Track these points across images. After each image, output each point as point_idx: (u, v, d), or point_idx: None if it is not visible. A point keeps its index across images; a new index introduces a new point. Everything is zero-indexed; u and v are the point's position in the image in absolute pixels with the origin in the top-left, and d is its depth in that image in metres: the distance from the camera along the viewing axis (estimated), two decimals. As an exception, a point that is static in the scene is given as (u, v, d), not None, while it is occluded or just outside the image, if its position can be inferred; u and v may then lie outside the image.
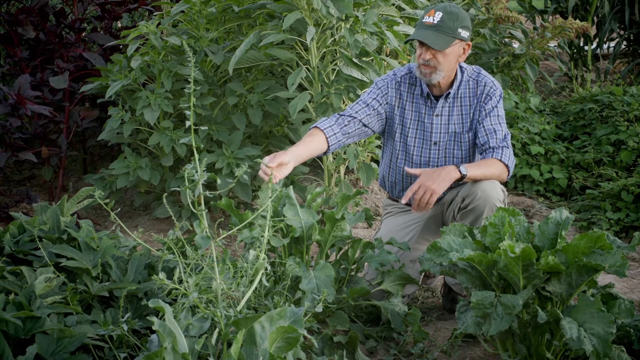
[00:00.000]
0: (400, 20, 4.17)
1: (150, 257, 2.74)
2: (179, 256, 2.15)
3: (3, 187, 4.79)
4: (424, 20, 2.92)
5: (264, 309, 2.53)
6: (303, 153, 2.86)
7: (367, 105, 3.06)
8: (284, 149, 4.19)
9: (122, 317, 2.28)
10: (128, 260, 2.70)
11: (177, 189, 2.33)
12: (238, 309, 2.11)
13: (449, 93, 3.03)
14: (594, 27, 6.85)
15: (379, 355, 2.74)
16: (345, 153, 4.07)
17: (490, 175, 2.89)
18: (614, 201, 4.30)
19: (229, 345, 2.03)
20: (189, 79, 1.98)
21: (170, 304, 2.17)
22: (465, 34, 2.93)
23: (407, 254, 3.03)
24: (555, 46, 6.36)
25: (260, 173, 2.62)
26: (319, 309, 2.36)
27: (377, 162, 4.67)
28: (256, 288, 2.61)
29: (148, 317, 2.01)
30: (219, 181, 2.23)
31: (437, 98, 3.06)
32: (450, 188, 3.03)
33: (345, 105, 4.06)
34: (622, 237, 4.11)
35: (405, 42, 3.20)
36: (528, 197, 4.73)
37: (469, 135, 3.04)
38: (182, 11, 4.13)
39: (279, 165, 2.66)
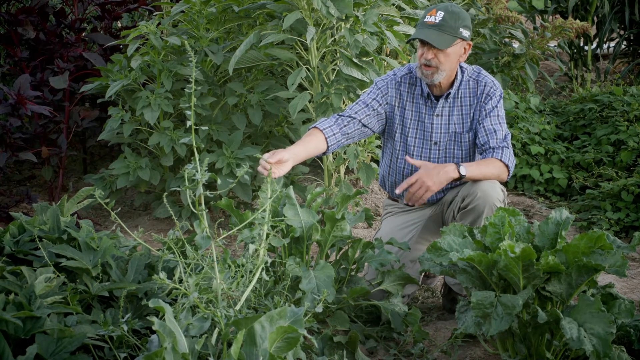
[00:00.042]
0: (400, 20, 4.17)
1: (150, 257, 2.74)
2: (179, 256, 2.15)
3: (3, 187, 4.79)
4: (425, 19, 2.92)
5: (264, 309, 2.53)
6: (302, 152, 2.87)
7: (367, 105, 3.06)
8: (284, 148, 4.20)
9: (122, 317, 2.28)
10: (128, 260, 2.70)
11: (177, 188, 2.33)
12: (238, 307, 2.11)
13: (449, 93, 3.03)
14: (594, 27, 6.85)
15: (379, 355, 2.74)
16: (345, 153, 4.07)
17: (490, 175, 2.89)
18: (614, 201, 4.30)
19: (229, 345, 2.03)
20: (189, 79, 1.99)
21: (171, 304, 2.17)
22: (466, 33, 2.93)
23: (407, 254, 3.03)
24: (555, 46, 6.36)
25: (260, 168, 2.63)
26: (319, 309, 2.36)
27: (377, 162, 4.67)
28: (256, 288, 2.61)
29: (148, 317, 2.01)
30: (219, 181, 2.23)
31: (437, 98, 3.06)
32: (451, 188, 3.03)
33: (345, 105, 4.06)
34: (622, 237, 4.12)
35: (407, 42, 3.21)
36: (528, 197, 4.73)
37: (469, 135, 3.04)
38: (182, 11, 4.13)
39: (278, 162, 2.67)
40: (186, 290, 2.05)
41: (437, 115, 3.05)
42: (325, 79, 3.99)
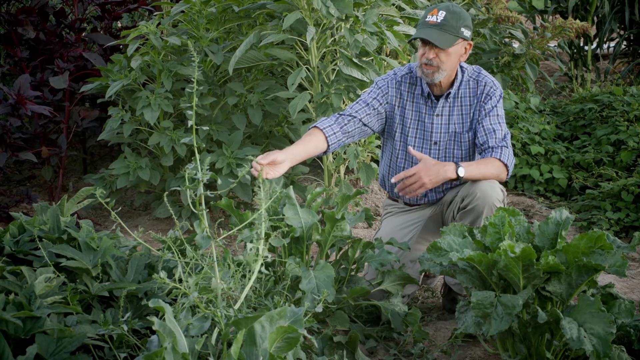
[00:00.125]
0: (400, 20, 4.17)
1: (150, 257, 2.74)
2: (179, 256, 2.15)
3: (3, 187, 4.79)
4: (427, 19, 2.92)
5: (264, 309, 2.53)
6: (301, 152, 2.87)
7: (367, 104, 3.06)
8: (283, 148, 4.20)
9: (122, 317, 2.28)
10: (128, 260, 2.70)
11: (178, 188, 2.33)
12: (237, 305, 2.11)
13: (450, 93, 3.03)
14: (594, 27, 6.85)
15: (379, 355, 2.74)
16: (345, 153, 4.07)
17: (489, 175, 2.89)
18: (614, 201, 4.30)
19: (229, 345, 2.03)
20: (190, 79, 1.99)
21: (170, 304, 2.17)
22: (467, 33, 2.93)
23: (407, 254, 3.03)
24: (555, 46, 6.36)
25: (252, 170, 2.63)
26: (319, 309, 2.36)
27: (377, 162, 4.67)
28: (256, 288, 2.61)
29: (148, 317, 2.01)
30: (219, 181, 2.23)
31: (437, 98, 3.06)
32: (450, 187, 3.03)
33: (345, 105, 4.07)
34: (622, 237, 4.12)
35: (409, 41, 3.20)
36: (528, 197, 4.74)
37: (469, 135, 3.04)
38: (182, 11, 4.13)
39: (272, 163, 2.66)
40: (186, 290, 2.05)
41: (437, 115, 3.05)
42: (325, 79, 3.99)
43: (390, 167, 3.18)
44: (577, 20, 5.49)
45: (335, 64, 4.02)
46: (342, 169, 4.34)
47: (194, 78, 2.12)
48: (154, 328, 1.90)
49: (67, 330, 2.17)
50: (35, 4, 4.72)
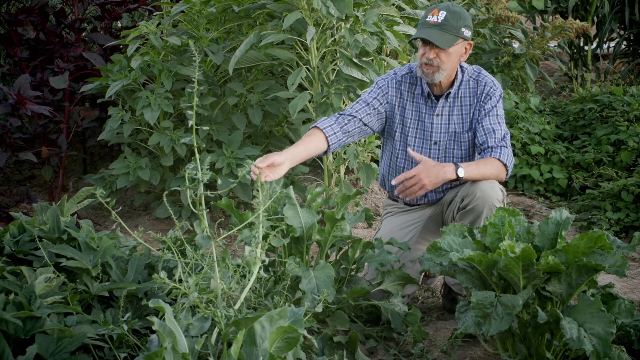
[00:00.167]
0: (400, 20, 4.17)
1: (150, 257, 2.74)
2: (178, 256, 2.15)
3: (3, 187, 4.79)
4: (427, 19, 2.92)
5: (264, 309, 2.53)
6: (300, 153, 2.86)
7: (368, 104, 3.06)
8: (284, 148, 4.19)
9: (122, 317, 2.28)
10: (128, 260, 2.70)
11: (178, 188, 2.33)
12: (236, 306, 2.11)
13: (450, 93, 3.03)
14: (594, 27, 6.85)
15: (379, 355, 2.74)
16: (345, 153, 4.07)
17: (489, 175, 2.89)
18: (614, 201, 4.30)
19: (229, 345, 2.03)
20: (190, 79, 1.99)
21: (170, 304, 2.17)
22: (467, 33, 2.93)
23: (407, 254, 3.03)
24: (555, 46, 6.36)
25: (251, 174, 2.62)
26: (319, 309, 2.36)
27: (377, 162, 4.67)
28: (256, 288, 2.61)
29: (148, 317, 2.01)
30: (219, 181, 2.23)
31: (437, 98, 3.06)
32: (450, 187, 3.03)
33: (345, 105, 4.07)
34: (622, 237, 4.12)
35: (410, 41, 3.20)
36: (528, 197, 4.74)
37: (468, 135, 3.04)
38: (182, 11, 4.13)
39: (271, 165, 2.66)
40: (186, 290, 2.06)
41: (437, 115, 3.05)
42: (325, 79, 3.99)
43: (390, 167, 3.18)
44: (577, 20, 5.49)
45: (335, 64, 4.02)
46: (342, 169, 4.34)
47: (194, 78, 2.12)
48: (154, 328, 1.90)
49: (67, 330, 2.17)
50: (35, 4, 4.72)
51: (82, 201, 3.13)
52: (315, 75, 3.99)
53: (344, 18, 3.77)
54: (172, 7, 4.28)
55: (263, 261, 2.14)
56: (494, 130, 2.97)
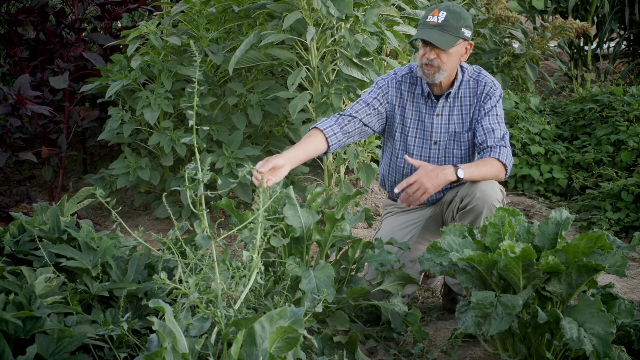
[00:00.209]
0: (400, 20, 4.17)
1: (150, 257, 2.74)
2: (178, 256, 2.15)
3: (3, 187, 4.79)
4: (428, 19, 2.92)
5: (264, 309, 2.54)
6: (300, 154, 2.86)
7: (368, 104, 3.06)
8: (284, 149, 4.20)
9: (122, 317, 2.28)
10: (128, 260, 2.70)
11: (178, 188, 2.33)
12: (237, 305, 2.12)
13: (450, 93, 3.03)
14: (594, 27, 6.85)
15: (379, 355, 2.74)
16: (345, 153, 4.07)
17: (488, 175, 2.89)
18: (614, 201, 4.30)
19: (229, 345, 2.03)
20: (190, 79, 1.99)
21: (170, 304, 2.17)
22: (468, 33, 2.93)
23: (407, 254, 3.03)
24: (555, 46, 6.36)
25: (253, 179, 2.62)
26: (319, 309, 2.36)
27: (377, 162, 4.67)
28: (256, 288, 2.61)
29: (148, 317, 2.01)
30: (219, 181, 2.23)
31: (437, 97, 3.06)
32: (450, 188, 3.03)
33: (345, 105, 4.06)
34: (622, 237, 4.12)
35: (410, 42, 3.20)
36: (528, 197, 4.74)
37: (468, 134, 3.04)
38: (182, 11, 4.13)
39: (272, 169, 2.66)
40: (186, 290, 2.06)
41: (437, 115, 3.05)
42: (325, 79, 3.99)
43: (390, 167, 3.18)
44: (577, 20, 5.49)
45: (335, 64, 4.02)
46: (342, 169, 4.34)
47: (194, 78, 2.12)
48: (154, 328, 1.90)
49: (67, 330, 2.17)
50: (35, 4, 4.72)
51: (82, 201, 3.13)
52: (315, 75, 3.99)
53: (344, 18, 3.77)
54: (172, 7, 4.28)
55: (259, 271, 2.14)
56: (493, 130, 2.97)
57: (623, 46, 6.88)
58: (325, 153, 2.98)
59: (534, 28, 6.50)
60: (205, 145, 4.16)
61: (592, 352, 2.16)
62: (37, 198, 4.32)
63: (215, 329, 2.12)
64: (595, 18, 6.75)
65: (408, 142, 3.09)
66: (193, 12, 4.10)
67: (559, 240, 2.43)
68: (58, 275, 2.47)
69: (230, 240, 4.05)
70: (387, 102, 3.09)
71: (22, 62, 4.66)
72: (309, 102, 4.05)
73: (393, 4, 4.18)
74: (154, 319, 1.90)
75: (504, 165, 2.92)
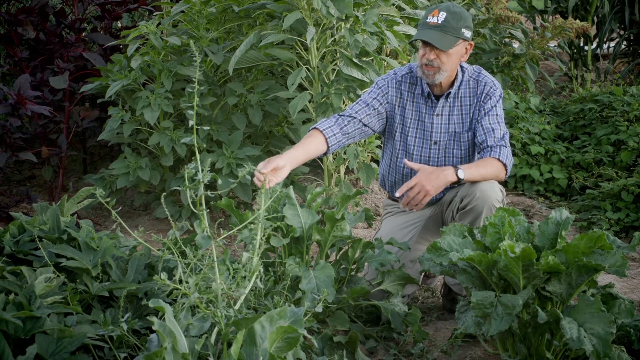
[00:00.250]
0: (400, 20, 4.17)
1: (150, 257, 2.74)
2: (178, 256, 2.15)
3: (3, 187, 4.79)
4: (427, 20, 2.92)
5: (264, 309, 2.54)
6: (300, 155, 2.86)
7: (367, 105, 3.06)
8: (284, 149, 4.20)
9: (122, 317, 2.28)
10: (128, 260, 2.70)
11: (178, 188, 2.33)
12: (237, 305, 2.12)
13: (450, 93, 3.03)
14: (594, 27, 6.85)
15: (379, 355, 2.74)
16: (345, 153, 4.07)
17: (489, 175, 2.89)
18: (614, 201, 4.30)
19: (229, 345, 2.03)
20: (190, 79, 1.99)
21: (170, 304, 2.17)
22: (468, 33, 2.93)
23: (407, 254, 3.03)
24: (555, 46, 6.36)
25: (255, 180, 2.62)
26: (319, 309, 2.36)
27: (377, 162, 4.67)
28: (256, 288, 2.61)
29: (148, 317, 2.01)
30: (219, 181, 2.23)
31: (437, 98, 3.06)
32: (450, 188, 3.03)
33: (346, 105, 4.06)
34: (622, 237, 4.12)
35: (410, 42, 3.20)
36: (528, 197, 4.74)
37: (468, 134, 3.04)
38: (182, 11, 4.13)
39: (274, 169, 2.66)
40: (186, 290, 2.06)
41: (437, 115, 3.05)
42: (325, 79, 3.99)
43: (390, 167, 3.18)
44: (577, 20, 5.49)
45: (335, 64, 4.02)
46: (342, 169, 4.34)
47: (194, 78, 2.12)
48: (154, 328, 1.90)
49: (67, 330, 2.17)
50: (35, 4, 4.72)
51: (82, 201, 3.13)
52: (315, 75, 3.99)
53: (344, 18, 3.77)
54: (172, 7, 4.28)
55: (259, 272, 2.14)
56: (493, 130, 2.97)
57: (623, 46, 6.88)
58: (325, 154, 2.98)
59: (534, 28, 6.50)
60: (205, 145, 4.16)
61: (592, 352, 2.16)
62: (37, 198, 4.32)
63: (215, 329, 2.12)
64: (595, 18, 6.75)
65: (408, 142, 3.09)
66: (193, 12, 4.10)
67: (559, 240, 2.43)
68: (58, 275, 2.47)
69: (230, 240, 4.05)
70: (387, 102, 3.09)
71: (22, 62, 4.66)
72: (309, 102, 4.05)
73: (393, 4, 4.18)
74: (154, 319, 1.90)
75: (504, 165, 2.92)
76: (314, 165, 4.74)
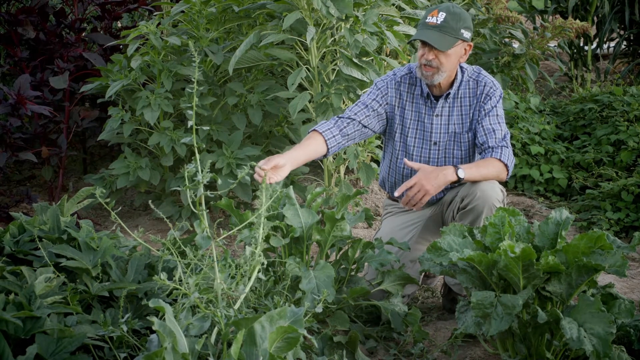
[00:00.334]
0: (400, 20, 4.17)
1: (150, 257, 2.74)
2: (177, 256, 2.15)
3: (3, 187, 4.79)
4: (427, 20, 2.91)
5: (264, 309, 2.54)
6: (300, 156, 2.87)
7: (367, 106, 3.06)
8: (284, 149, 4.20)
9: (122, 317, 2.28)
10: (128, 260, 2.70)
11: (178, 188, 2.33)
12: (237, 305, 2.12)
13: (449, 93, 3.03)
14: (594, 27, 6.85)
15: (379, 355, 2.74)
16: (345, 153, 4.07)
17: (489, 175, 2.89)
18: (614, 201, 4.30)
19: (229, 345, 2.03)
20: (190, 79, 1.99)
21: (171, 304, 2.17)
22: (467, 34, 2.93)
23: (407, 254, 3.03)
24: (555, 46, 6.36)
25: (255, 176, 2.63)
26: (319, 309, 2.36)
27: (377, 162, 4.67)
28: (256, 288, 2.61)
29: (148, 317, 2.01)
30: (219, 181, 2.23)
31: (437, 98, 3.06)
32: (450, 188, 3.03)
33: (346, 105, 4.06)
34: (622, 237, 4.12)
35: (409, 42, 3.20)
36: (528, 197, 4.74)
37: (468, 135, 3.04)
38: (182, 11, 4.13)
39: (274, 167, 2.67)
40: (186, 290, 2.06)
41: (437, 116, 3.05)
42: (325, 79, 3.99)
43: (390, 168, 3.18)
44: (577, 20, 5.49)
45: (335, 64, 4.02)
46: (342, 169, 4.34)
47: (194, 78, 2.12)
48: (154, 328, 1.90)
49: (67, 330, 2.17)
50: (35, 4, 4.72)
51: (82, 201, 3.13)
52: (315, 75, 3.99)
53: (344, 18, 3.77)
54: (172, 7, 4.28)
55: (263, 264, 2.14)
56: (494, 131, 2.97)
57: (623, 46, 6.88)
58: (325, 155, 2.98)
59: (534, 28, 6.50)
60: (205, 145, 4.17)
61: (592, 352, 2.16)
62: (37, 198, 4.32)
63: (215, 329, 2.12)
64: (595, 18, 6.75)
65: (408, 143, 3.09)
66: (193, 12, 4.10)
67: (559, 240, 2.43)
68: (58, 275, 2.47)
69: (230, 240, 4.05)
70: (387, 103, 3.09)
71: (22, 62, 4.66)
72: (309, 102, 4.05)
73: (393, 4, 4.18)
74: (154, 319, 1.90)
75: (506, 165, 2.92)
76: (314, 165, 4.74)
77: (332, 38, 3.94)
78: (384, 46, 4.28)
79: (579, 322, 2.23)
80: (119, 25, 5.43)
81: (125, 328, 2.24)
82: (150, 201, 2.43)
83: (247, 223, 2.38)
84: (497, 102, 3.01)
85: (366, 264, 2.96)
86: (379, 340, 2.80)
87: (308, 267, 2.71)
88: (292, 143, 4.31)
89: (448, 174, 2.81)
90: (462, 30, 2.91)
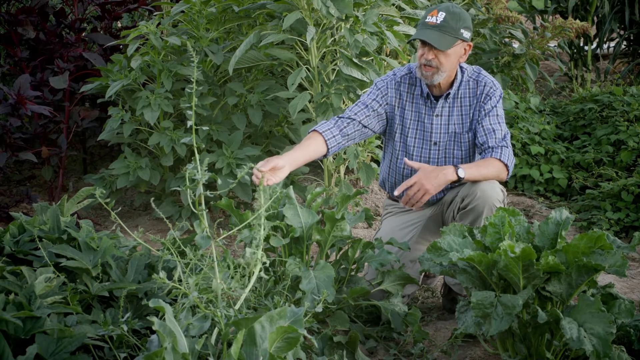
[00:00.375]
0: (400, 20, 4.17)
1: (150, 257, 2.74)
2: (177, 256, 2.15)
3: (3, 187, 4.79)
4: (426, 20, 2.92)
5: (264, 309, 2.54)
6: (300, 157, 2.87)
7: (367, 106, 3.06)
8: (284, 149, 4.20)
9: (122, 317, 2.28)
10: (128, 260, 2.70)
11: (178, 188, 2.33)
12: (237, 305, 2.11)
13: (449, 93, 3.03)
14: (594, 27, 6.85)
15: (379, 355, 2.74)
16: (345, 153, 4.07)
17: (489, 175, 2.89)
18: (614, 201, 4.30)
19: (229, 345, 2.03)
20: (189, 79, 1.99)
21: (171, 304, 2.17)
22: (467, 34, 2.93)
23: (407, 254, 3.03)
24: (555, 46, 6.36)
25: (253, 177, 2.62)
26: (319, 309, 2.36)
27: (377, 162, 4.67)
28: (256, 288, 2.61)
29: (148, 317, 2.01)
30: (219, 181, 2.23)
31: (437, 98, 3.06)
32: (451, 188, 3.03)
33: (346, 105, 4.06)
34: (622, 237, 4.12)
35: (408, 42, 3.20)
36: (528, 197, 4.74)
37: (468, 135, 3.04)
38: (182, 11, 4.13)
39: (273, 169, 2.67)
40: (186, 290, 2.06)
41: (437, 116, 3.05)
42: (325, 79, 3.99)
43: (390, 168, 3.18)
44: (577, 20, 5.49)
45: (335, 64, 4.02)
46: (342, 169, 4.34)
47: (193, 78, 2.12)
48: (154, 328, 1.90)
49: (67, 330, 2.17)
50: (35, 4, 4.72)
51: (82, 201, 3.13)
52: (315, 75, 4.00)
53: (344, 18, 3.77)
54: (172, 7, 4.28)
55: (264, 263, 2.14)
56: (494, 131, 2.97)
57: (623, 46, 6.88)
58: (325, 156, 2.98)
59: (534, 28, 6.50)
60: (205, 145, 4.17)
61: (592, 352, 2.16)
62: (37, 198, 4.32)
63: (216, 329, 2.12)
64: (595, 18, 6.75)
65: (408, 143, 3.09)
66: (193, 12, 4.10)
67: (559, 240, 2.43)
68: (58, 275, 2.47)
69: (230, 240, 4.05)
70: (387, 104, 3.09)
71: (22, 62, 4.66)
72: (309, 102, 4.05)
73: (393, 4, 4.18)
74: (154, 319, 1.90)
75: (506, 165, 2.92)
76: (314, 165, 4.74)
77: (332, 38, 3.94)
78: (384, 46, 4.28)
79: (579, 322, 2.23)
80: (119, 25, 5.43)
81: (125, 328, 2.24)
82: (151, 200, 2.43)
83: (247, 223, 2.38)
84: (497, 102, 3.01)
85: (366, 264, 2.96)
86: (379, 340, 2.80)
87: (308, 267, 2.71)
88: (292, 143, 4.31)
89: (448, 174, 2.81)
90: (462, 30, 2.91)
